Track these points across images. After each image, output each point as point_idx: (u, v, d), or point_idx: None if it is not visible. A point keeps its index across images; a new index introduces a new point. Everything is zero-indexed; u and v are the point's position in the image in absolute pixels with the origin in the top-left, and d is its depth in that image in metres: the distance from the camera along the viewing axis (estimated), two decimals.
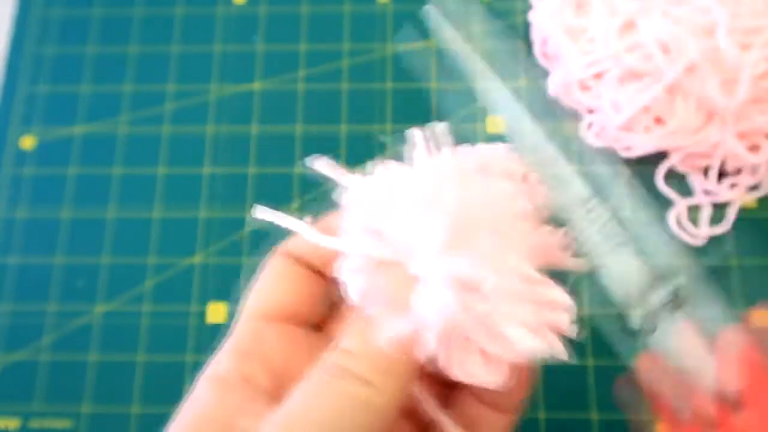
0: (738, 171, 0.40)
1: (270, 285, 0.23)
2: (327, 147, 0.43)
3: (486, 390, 0.20)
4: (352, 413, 0.18)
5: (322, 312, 0.23)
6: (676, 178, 0.41)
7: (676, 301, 0.21)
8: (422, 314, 0.19)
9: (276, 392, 0.20)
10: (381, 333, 0.19)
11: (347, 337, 0.20)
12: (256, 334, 0.22)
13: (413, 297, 0.19)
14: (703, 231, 0.40)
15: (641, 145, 0.39)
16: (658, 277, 0.22)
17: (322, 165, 0.22)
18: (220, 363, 0.21)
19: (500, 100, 0.25)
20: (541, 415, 0.37)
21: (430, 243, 0.19)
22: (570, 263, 0.21)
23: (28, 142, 0.44)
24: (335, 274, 0.21)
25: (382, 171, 0.21)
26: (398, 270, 0.20)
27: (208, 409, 0.20)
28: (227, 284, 0.40)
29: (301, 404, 0.19)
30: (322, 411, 0.18)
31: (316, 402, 0.19)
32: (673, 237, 0.40)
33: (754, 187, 0.40)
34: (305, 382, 0.20)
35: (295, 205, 0.42)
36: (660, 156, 0.40)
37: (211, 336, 0.39)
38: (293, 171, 0.43)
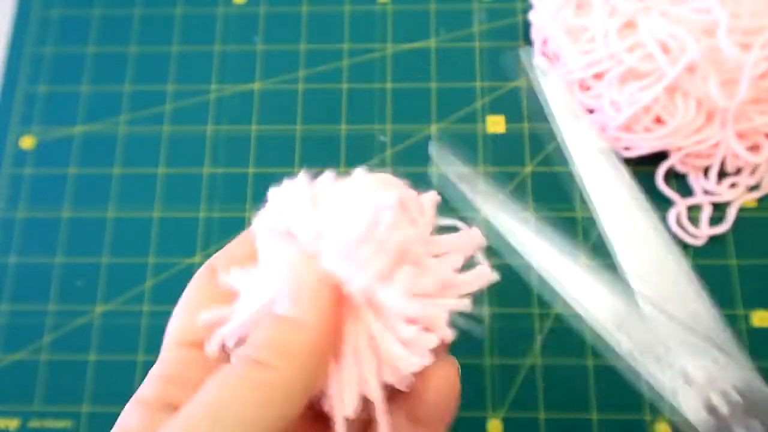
0: (738, 171, 0.40)
1: (195, 306, 0.23)
2: (327, 147, 0.43)
3: (414, 406, 0.22)
4: (251, 397, 0.19)
5: None
6: (676, 178, 0.41)
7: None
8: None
9: None
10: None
11: (253, 333, 0.21)
12: (181, 360, 0.22)
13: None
14: (703, 231, 0.40)
15: (641, 145, 0.39)
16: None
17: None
18: (146, 388, 0.22)
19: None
20: (541, 415, 0.37)
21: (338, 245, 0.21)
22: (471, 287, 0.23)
23: (28, 142, 0.44)
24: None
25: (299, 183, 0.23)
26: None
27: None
28: None
29: (198, 399, 0.19)
30: (217, 399, 0.19)
31: (212, 392, 0.19)
32: (674, 237, 0.40)
33: (754, 187, 0.40)
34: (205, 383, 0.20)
35: None
36: (660, 156, 0.40)
37: None
38: (293, 171, 0.43)
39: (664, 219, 0.40)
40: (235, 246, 0.25)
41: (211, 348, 0.22)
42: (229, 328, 0.22)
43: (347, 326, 0.21)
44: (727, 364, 0.22)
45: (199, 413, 0.19)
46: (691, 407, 0.21)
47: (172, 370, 0.22)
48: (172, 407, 0.21)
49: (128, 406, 0.21)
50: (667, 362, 0.22)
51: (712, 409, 0.21)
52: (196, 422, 0.18)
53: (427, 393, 0.22)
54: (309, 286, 0.21)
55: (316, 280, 0.21)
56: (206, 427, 0.18)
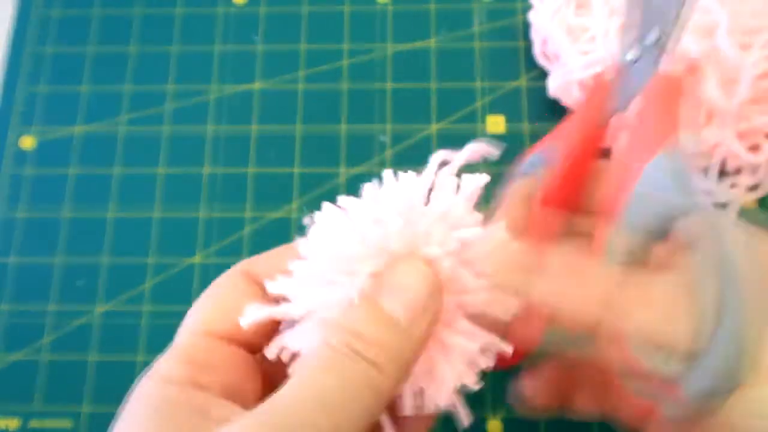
0: (738, 171, 0.40)
1: (227, 303, 0.23)
2: (327, 147, 0.43)
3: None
4: (361, 393, 0.19)
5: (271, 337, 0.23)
6: None
7: None
8: None
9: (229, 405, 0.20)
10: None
11: (352, 320, 0.20)
12: (209, 349, 0.22)
13: None
14: None
15: None
16: None
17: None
18: (170, 369, 0.21)
19: None
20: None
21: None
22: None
23: (28, 142, 0.44)
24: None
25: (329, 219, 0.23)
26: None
27: (170, 401, 0.20)
28: None
29: (307, 380, 0.19)
30: (330, 387, 0.19)
31: (323, 378, 0.19)
32: None
33: (754, 187, 0.40)
34: (306, 361, 0.20)
35: (294, 205, 0.42)
36: None
37: None
38: (293, 171, 0.43)
39: None
40: (276, 255, 0.25)
41: (271, 353, 0.22)
42: (293, 337, 0.22)
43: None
44: None
45: (307, 397, 0.18)
46: None
47: (197, 357, 0.22)
48: (201, 386, 0.20)
49: (148, 381, 0.21)
50: None
51: None
52: (305, 405, 0.18)
53: None
54: (424, 302, 0.21)
55: (434, 295, 0.21)
56: (316, 413, 0.18)
